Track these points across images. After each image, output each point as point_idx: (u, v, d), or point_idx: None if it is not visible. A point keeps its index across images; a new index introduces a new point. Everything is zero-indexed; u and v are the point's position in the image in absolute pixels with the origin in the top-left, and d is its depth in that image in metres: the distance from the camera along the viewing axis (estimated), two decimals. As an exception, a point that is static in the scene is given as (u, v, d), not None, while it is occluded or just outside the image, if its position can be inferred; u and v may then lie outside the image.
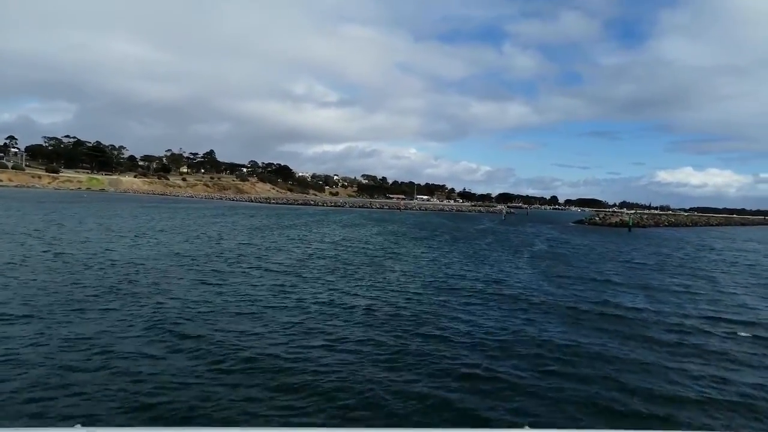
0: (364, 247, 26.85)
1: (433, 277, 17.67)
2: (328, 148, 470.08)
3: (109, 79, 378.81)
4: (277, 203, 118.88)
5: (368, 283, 15.77)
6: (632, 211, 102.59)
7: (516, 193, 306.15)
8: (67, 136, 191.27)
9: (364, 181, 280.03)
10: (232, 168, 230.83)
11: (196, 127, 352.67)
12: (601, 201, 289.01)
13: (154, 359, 8.06)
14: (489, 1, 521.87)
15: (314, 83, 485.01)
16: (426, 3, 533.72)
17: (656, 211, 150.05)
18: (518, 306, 13.59)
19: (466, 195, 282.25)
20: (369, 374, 7.81)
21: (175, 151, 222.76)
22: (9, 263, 15.92)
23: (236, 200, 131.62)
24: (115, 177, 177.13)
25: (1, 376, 6.98)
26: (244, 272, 16.73)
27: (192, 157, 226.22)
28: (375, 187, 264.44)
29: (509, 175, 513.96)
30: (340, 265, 19.62)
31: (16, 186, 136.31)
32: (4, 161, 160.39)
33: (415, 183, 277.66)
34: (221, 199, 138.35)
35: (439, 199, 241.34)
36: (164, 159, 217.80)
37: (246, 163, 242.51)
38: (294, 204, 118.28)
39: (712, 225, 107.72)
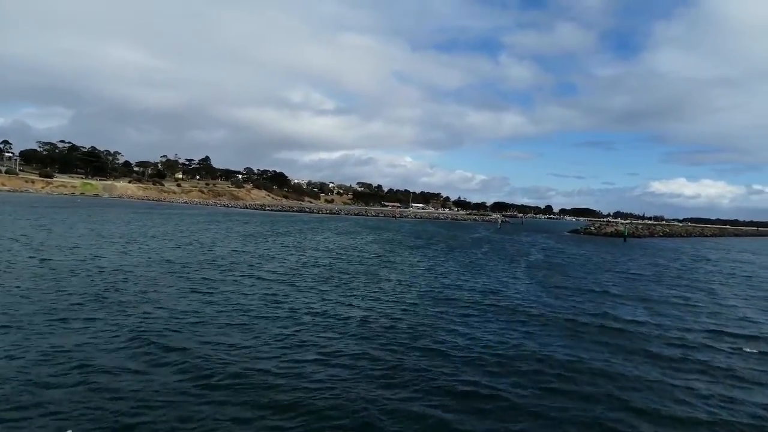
0: (359, 256, 26.46)
1: (430, 287, 17.31)
2: (324, 155, 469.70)
3: (105, 85, 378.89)
4: (272, 210, 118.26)
5: (363, 293, 15.38)
6: (627, 221, 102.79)
7: (511, 202, 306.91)
8: (62, 141, 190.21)
9: (360, 189, 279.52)
10: (228, 174, 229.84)
11: (192, 134, 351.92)
12: (595, 211, 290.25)
13: (136, 374, 7.64)
14: (485, 13, 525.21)
15: (311, 91, 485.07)
16: (423, 13, 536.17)
17: (651, 222, 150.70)
18: (516, 318, 13.25)
19: (461, 203, 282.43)
20: (364, 392, 7.43)
21: (171, 157, 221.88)
22: (-8, 270, 15.44)
23: (231, 207, 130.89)
24: (109, 182, 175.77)
25: (-29, 393, 6.56)
26: (236, 280, 16.31)
27: (187, 163, 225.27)
28: (370, 194, 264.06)
29: (504, 184, 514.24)
30: (335, 273, 19.22)
31: (9, 190, 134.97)
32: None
33: (411, 191, 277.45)
34: (216, 205, 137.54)
35: (434, 207, 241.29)
36: (159, 165, 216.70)
37: (241, 169, 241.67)
38: (289, 211, 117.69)
39: (706, 236, 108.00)
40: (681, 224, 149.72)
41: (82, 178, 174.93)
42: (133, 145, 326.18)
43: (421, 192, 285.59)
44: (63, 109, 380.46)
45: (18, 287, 13.13)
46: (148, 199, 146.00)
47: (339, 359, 8.85)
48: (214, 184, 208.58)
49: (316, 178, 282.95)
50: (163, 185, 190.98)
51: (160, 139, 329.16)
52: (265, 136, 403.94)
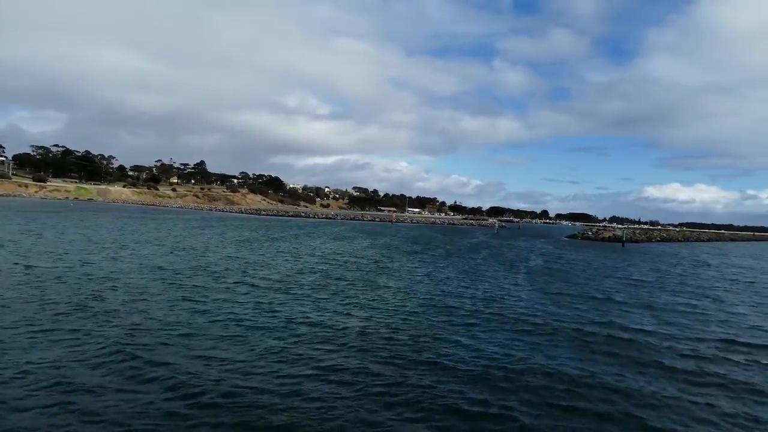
0: (356, 262, 25.92)
1: (430, 295, 16.78)
2: (319, 160, 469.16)
3: (99, 89, 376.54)
4: (267, 215, 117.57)
5: (361, 302, 14.84)
6: (623, 226, 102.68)
7: (506, 206, 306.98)
8: (56, 145, 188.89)
9: (356, 194, 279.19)
10: (223, 179, 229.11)
11: (187, 138, 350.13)
12: (591, 216, 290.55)
13: (119, 393, 7.08)
14: (479, 18, 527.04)
15: (307, 96, 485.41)
16: (418, 19, 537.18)
17: (646, 226, 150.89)
18: (520, 327, 12.74)
19: (456, 208, 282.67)
20: (366, 412, 6.90)
21: (166, 161, 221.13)
22: (-25, 277, 14.82)
23: (226, 211, 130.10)
24: (103, 187, 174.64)
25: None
26: (229, 288, 15.74)
27: (182, 167, 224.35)
28: (366, 199, 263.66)
29: (499, 189, 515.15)
30: (332, 280, 18.68)
31: (1, 195, 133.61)
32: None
33: (407, 196, 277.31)
34: (211, 210, 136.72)
35: (430, 212, 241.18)
36: (154, 169, 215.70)
37: (237, 174, 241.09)
38: (285, 216, 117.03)
39: (703, 240, 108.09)
40: (677, 229, 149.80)
41: (76, 182, 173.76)
42: (128, 149, 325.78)
43: (417, 197, 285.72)
44: (57, 113, 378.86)
45: None
46: (143, 204, 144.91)
47: (338, 375, 8.31)
48: (209, 189, 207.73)
49: (312, 182, 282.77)
50: (158, 190, 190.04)
51: (154, 143, 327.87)
52: (260, 141, 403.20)
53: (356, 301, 14.97)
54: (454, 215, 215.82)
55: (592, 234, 79.97)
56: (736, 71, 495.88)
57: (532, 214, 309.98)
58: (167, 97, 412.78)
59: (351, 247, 36.54)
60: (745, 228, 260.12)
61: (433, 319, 13.10)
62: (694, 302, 18.53)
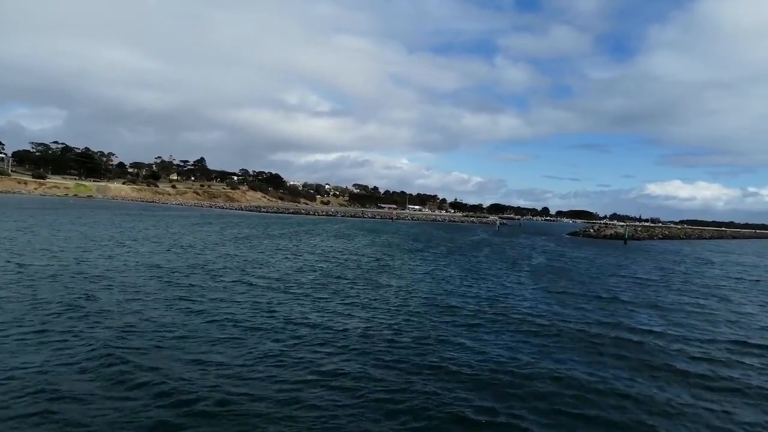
0: (356, 260, 25.56)
1: (432, 294, 16.43)
2: (319, 157, 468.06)
3: (100, 86, 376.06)
4: (267, 212, 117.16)
5: (363, 302, 14.48)
6: (625, 224, 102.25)
7: (507, 204, 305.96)
8: (56, 142, 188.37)
9: (356, 191, 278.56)
10: (223, 176, 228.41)
11: (187, 135, 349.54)
12: (592, 213, 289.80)
13: (106, 400, 6.72)
14: (481, 15, 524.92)
15: (307, 93, 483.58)
16: (419, 15, 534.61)
17: (648, 224, 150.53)
18: (526, 328, 12.38)
19: (457, 205, 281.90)
20: (369, 422, 6.54)
21: (165, 158, 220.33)
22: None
23: (226, 208, 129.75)
24: (103, 184, 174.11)
25: None
26: (227, 287, 15.39)
27: (182, 164, 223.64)
28: (367, 196, 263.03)
29: (500, 186, 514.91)
30: (332, 279, 18.31)
31: (0, 192, 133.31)
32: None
33: (407, 193, 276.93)
34: (211, 207, 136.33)
35: (430, 209, 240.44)
36: (154, 166, 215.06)
37: (237, 171, 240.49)
38: (285, 213, 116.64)
39: (705, 238, 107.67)
40: (679, 226, 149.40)
41: (75, 179, 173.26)
42: (128, 146, 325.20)
43: (418, 194, 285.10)
44: (56, 110, 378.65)
45: (-10, 296, 12.17)
46: (143, 201, 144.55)
47: (339, 380, 7.95)
48: (209, 186, 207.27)
49: (312, 179, 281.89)
50: (158, 187, 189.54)
51: (154, 140, 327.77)
52: (260, 138, 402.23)
53: (357, 300, 14.61)
54: (454, 212, 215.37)
55: (594, 231, 79.61)
56: (738, 68, 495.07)
57: (533, 212, 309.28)
58: (167, 94, 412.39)
59: (351, 244, 36.19)
60: (746, 225, 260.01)
61: (436, 319, 12.74)
62: (702, 302, 18.17)
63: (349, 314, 12.73)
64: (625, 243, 63.37)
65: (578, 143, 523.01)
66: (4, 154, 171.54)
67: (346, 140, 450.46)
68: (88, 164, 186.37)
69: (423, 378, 8.26)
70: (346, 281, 18.06)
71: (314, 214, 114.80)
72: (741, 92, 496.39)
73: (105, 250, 22.79)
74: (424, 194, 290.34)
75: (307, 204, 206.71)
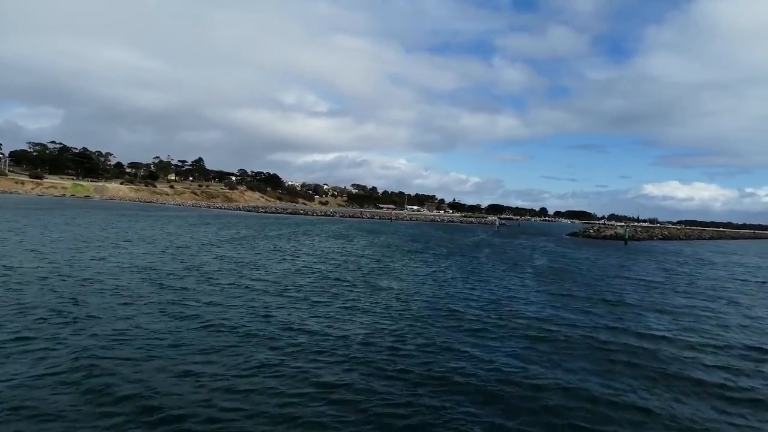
0: (356, 261, 25.06)
1: (435, 298, 15.94)
2: (318, 157, 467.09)
3: (97, 85, 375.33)
4: (265, 212, 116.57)
5: (363, 306, 13.97)
6: (624, 224, 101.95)
7: (505, 204, 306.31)
8: (53, 142, 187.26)
9: (354, 191, 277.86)
10: (221, 176, 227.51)
11: (185, 135, 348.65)
12: (590, 213, 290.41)
13: (88, 417, 6.21)
14: (478, 15, 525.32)
15: (305, 93, 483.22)
16: (417, 15, 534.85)
17: (646, 224, 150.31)
18: (533, 334, 11.90)
19: (455, 206, 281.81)
20: (369, 442, 6.04)
21: (163, 158, 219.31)
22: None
23: (224, 209, 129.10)
24: (100, 183, 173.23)
25: None
26: (223, 290, 14.87)
27: (180, 164, 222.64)
28: (365, 196, 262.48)
29: (498, 187, 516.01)
30: (331, 282, 17.81)
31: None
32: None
33: (405, 193, 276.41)
34: (209, 207, 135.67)
35: (428, 209, 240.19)
36: (152, 166, 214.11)
37: (235, 171, 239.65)
38: (283, 213, 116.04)
39: (704, 238, 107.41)
40: (678, 227, 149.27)
41: (73, 179, 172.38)
42: (125, 146, 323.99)
43: (416, 194, 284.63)
44: (54, 110, 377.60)
45: (-26, 301, 11.64)
46: (140, 201, 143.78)
47: (341, 393, 7.45)
48: (207, 186, 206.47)
49: (310, 179, 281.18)
50: (156, 187, 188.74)
51: (152, 140, 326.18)
52: (258, 138, 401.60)
53: (357, 305, 14.10)
54: (453, 213, 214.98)
55: (594, 232, 79.24)
56: (735, 69, 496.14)
57: (531, 212, 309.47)
58: (166, 94, 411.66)
59: (350, 245, 35.68)
60: (744, 226, 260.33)
61: (439, 325, 12.25)
62: (710, 305, 17.73)
63: (349, 319, 12.23)
64: (626, 244, 62.96)
65: (576, 144, 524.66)
66: (1, 153, 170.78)
67: (344, 140, 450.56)
68: (85, 164, 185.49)
69: (429, 390, 7.76)
70: (345, 284, 17.56)
71: (312, 215, 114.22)
72: (738, 93, 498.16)
73: (98, 251, 22.24)
74: (423, 194, 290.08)
75: (305, 204, 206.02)
